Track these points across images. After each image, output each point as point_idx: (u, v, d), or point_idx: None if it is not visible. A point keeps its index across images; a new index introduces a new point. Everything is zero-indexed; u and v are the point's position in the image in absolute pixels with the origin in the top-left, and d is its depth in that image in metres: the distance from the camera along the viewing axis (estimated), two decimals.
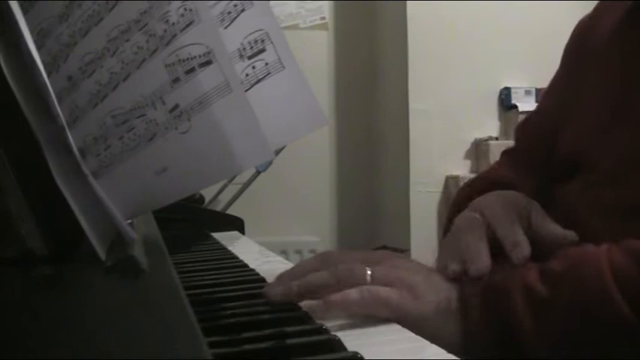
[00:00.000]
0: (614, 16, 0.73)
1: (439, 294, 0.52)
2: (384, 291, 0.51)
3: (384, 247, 2.64)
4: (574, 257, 0.52)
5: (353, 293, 0.50)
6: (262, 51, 0.56)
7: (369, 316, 0.50)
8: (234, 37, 0.56)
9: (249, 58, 0.56)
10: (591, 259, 0.50)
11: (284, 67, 0.56)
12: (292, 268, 0.58)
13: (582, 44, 0.79)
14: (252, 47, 0.56)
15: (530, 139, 0.84)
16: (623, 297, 0.47)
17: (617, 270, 0.48)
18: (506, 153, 0.88)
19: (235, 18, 0.56)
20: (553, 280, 0.50)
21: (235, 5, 0.55)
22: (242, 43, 0.56)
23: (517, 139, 0.87)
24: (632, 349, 0.47)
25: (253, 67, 0.56)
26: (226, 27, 0.56)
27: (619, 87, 0.67)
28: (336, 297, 0.50)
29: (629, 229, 0.53)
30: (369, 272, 0.52)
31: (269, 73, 0.56)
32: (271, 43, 0.56)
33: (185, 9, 0.45)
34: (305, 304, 0.53)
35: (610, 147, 0.65)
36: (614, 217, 0.62)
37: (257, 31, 0.56)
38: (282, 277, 0.56)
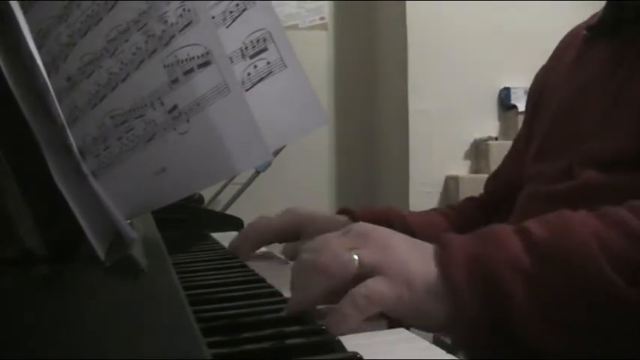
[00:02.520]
0: (570, 55, 0.83)
1: (427, 274, 0.51)
2: (377, 290, 0.49)
3: None
4: (555, 224, 0.52)
5: (348, 310, 0.48)
6: (264, 50, 0.56)
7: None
8: (236, 36, 0.56)
9: (251, 57, 0.56)
10: (574, 229, 0.50)
11: (286, 66, 0.56)
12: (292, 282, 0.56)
13: (543, 86, 0.88)
14: (254, 46, 0.56)
15: (499, 182, 0.96)
16: (611, 267, 0.47)
17: (602, 240, 0.49)
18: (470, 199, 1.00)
19: (237, 17, 0.56)
20: (538, 251, 0.49)
21: (237, 5, 0.56)
22: (244, 43, 0.56)
23: (487, 181, 1.00)
24: (623, 317, 0.47)
25: (255, 66, 0.56)
26: (228, 26, 0.56)
27: (573, 104, 0.78)
28: (334, 320, 0.48)
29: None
30: (355, 257, 0.51)
31: (271, 72, 0.56)
32: (273, 42, 0.56)
33: (184, 9, 0.45)
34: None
35: (564, 154, 0.74)
36: (561, 205, 0.68)
37: (259, 30, 0.56)
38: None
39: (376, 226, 0.55)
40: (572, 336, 0.49)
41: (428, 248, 0.53)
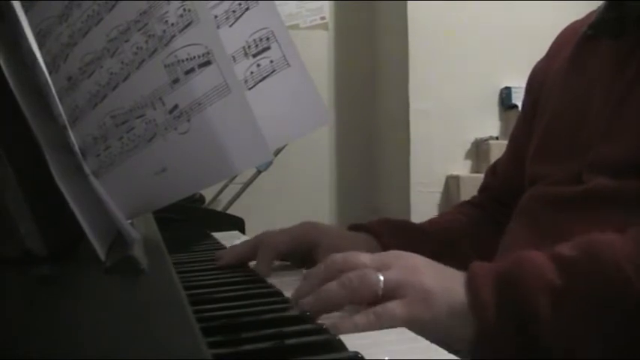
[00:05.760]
0: (567, 51, 0.82)
1: (451, 295, 0.51)
2: (390, 312, 0.49)
3: None
4: (585, 245, 0.52)
5: (360, 321, 0.49)
6: (267, 49, 0.56)
7: None
8: (239, 35, 0.56)
9: (254, 56, 0.56)
10: (604, 247, 0.50)
11: (289, 65, 0.56)
12: (305, 283, 0.55)
13: (539, 83, 0.88)
14: (257, 45, 0.56)
15: (498, 178, 0.96)
16: (638, 277, 0.47)
17: (631, 258, 0.49)
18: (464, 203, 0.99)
19: (240, 16, 0.56)
20: (568, 269, 0.50)
21: (240, 4, 0.56)
22: (247, 41, 0.56)
23: (486, 177, 1.00)
24: None
25: (258, 65, 0.56)
26: (231, 25, 0.56)
27: (576, 104, 0.77)
28: (345, 327, 0.48)
29: (583, 218, 0.60)
30: (381, 278, 0.51)
31: (274, 71, 0.56)
32: (276, 41, 0.56)
33: (184, 9, 0.45)
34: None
35: (570, 157, 0.74)
36: (571, 209, 0.69)
37: (262, 29, 0.56)
38: (297, 294, 0.54)
39: (407, 253, 0.57)
40: (600, 347, 0.49)
41: (456, 274, 0.54)
